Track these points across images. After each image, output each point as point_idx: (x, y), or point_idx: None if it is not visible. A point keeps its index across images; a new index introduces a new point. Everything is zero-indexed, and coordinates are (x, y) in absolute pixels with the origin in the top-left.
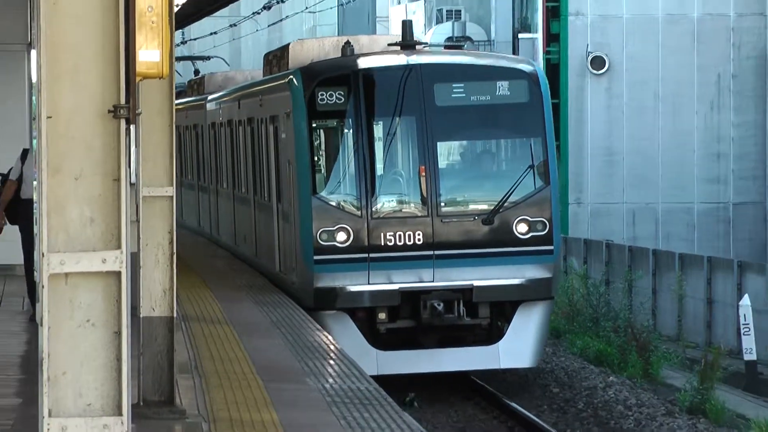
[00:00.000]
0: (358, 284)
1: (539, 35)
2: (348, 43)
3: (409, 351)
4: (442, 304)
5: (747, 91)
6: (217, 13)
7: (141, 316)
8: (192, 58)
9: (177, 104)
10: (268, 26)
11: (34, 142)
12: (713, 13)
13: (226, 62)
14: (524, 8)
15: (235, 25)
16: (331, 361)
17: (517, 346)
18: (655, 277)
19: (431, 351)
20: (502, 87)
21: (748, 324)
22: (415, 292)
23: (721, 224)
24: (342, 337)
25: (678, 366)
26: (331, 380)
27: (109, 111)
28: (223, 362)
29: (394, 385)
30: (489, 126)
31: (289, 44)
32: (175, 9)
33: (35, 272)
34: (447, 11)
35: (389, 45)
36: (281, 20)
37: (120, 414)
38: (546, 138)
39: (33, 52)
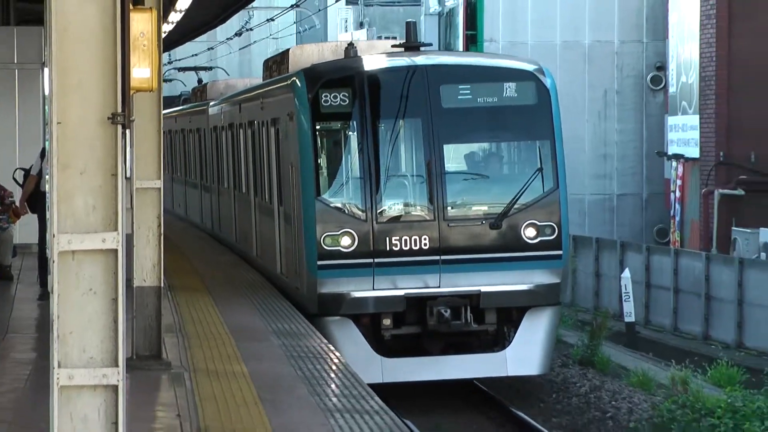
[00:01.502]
0: (362, 290)
1: None
2: (351, 44)
3: (415, 358)
4: (449, 311)
5: (627, 105)
6: (197, 39)
7: (134, 286)
8: (195, 69)
9: (181, 109)
10: (239, 49)
11: (47, 143)
12: (601, 40)
13: (226, 72)
14: (449, 35)
15: (212, 48)
16: (292, 324)
17: (525, 353)
18: None
19: (437, 358)
20: (510, 88)
21: (628, 293)
22: (421, 298)
23: (606, 212)
24: (346, 344)
25: (571, 327)
26: (290, 339)
27: (108, 118)
28: (202, 324)
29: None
30: (496, 128)
31: (288, 49)
32: (163, 35)
33: (47, 251)
34: (384, 37)
35: (393, 46)
36: (249, 45)
37: (116, 365)
38: (555, 140)
39: (46, 70)
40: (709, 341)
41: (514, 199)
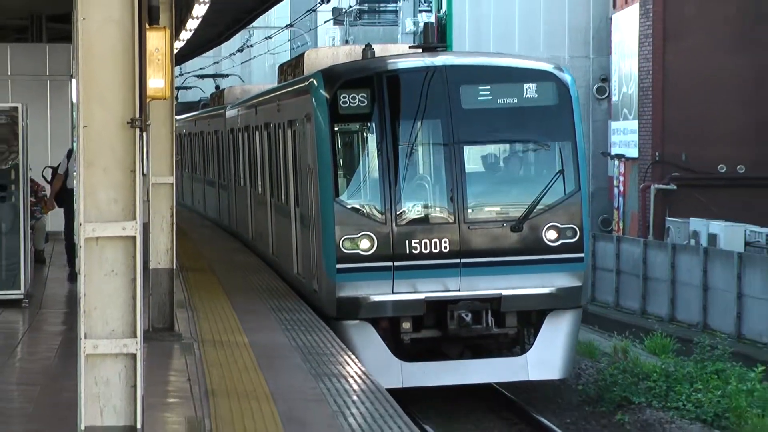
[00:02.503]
0: (382, 294)
1: None
2: (369, 45)
3: (435, 362)
4: (470, 315)
5: None
6: (205, 54)
7: (150, 267)
8: (213, 76)
9: (200, 113)
10: (241, 63)
11: (74, 145)
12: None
13: (241, 79)
14: None
15: (218, 62)
16: (287, 302)
17: (547, 357)
18: None
19: (457, 362)
20: (530, 89)
21: None
22: (441, 301)
23: None
24: (365, 348)
25: None
26: (286, 314)
27: (127, 122)
28: (209, 301)
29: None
30: (517, 129)
31: (304, 53)
32: (175, 50)
33: (75, 237)
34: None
35: (410, 47)
36: (250, 59)
37: (135, 337)
38: (576, 142)
39: (73, 81)
40: (646, 316)
41: (535, 201)
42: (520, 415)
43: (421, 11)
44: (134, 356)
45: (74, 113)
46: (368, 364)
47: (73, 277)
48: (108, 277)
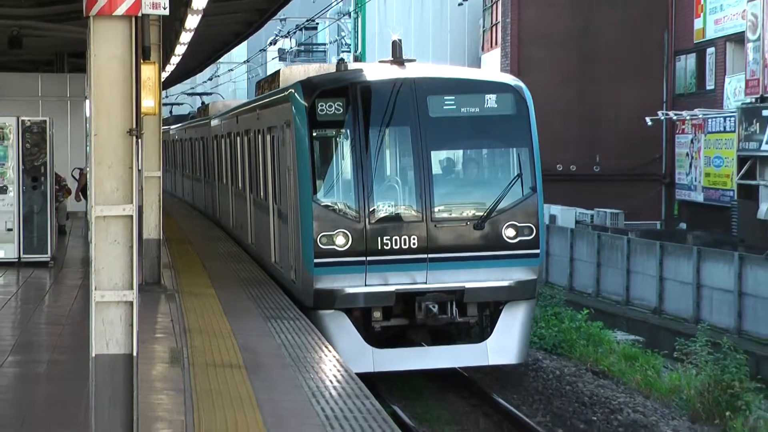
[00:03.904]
0: (355, 286)
1: None
2: (342, 60)
3: (403, 349)
4: (437, 306)
5: None
6: (184, 81)
7: (144, 238)
8: (200, 94)
9: (189, 122)
10: (210, 89)
11: (87, 148)
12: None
13: (222, 96)
14: None
15: (193, 88)
16: (246, 264)
17: (504, 344)
18: None
19: (424, 349)
20: (491, 100)
21: None
22: (410, 293)
23: None
24: (339, 336)
25: None
26: (246, 273)
27: (127, 132)
28: (187, 263)
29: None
30: (479, 136)
31: (279, 70)
32: (162, 79)
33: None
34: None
35: (380, 62)
36: (217, 86)
37: (132, 289)
38: (532, 148)
39: (87, 101)
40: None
41: (495, 201)
42: (476, 392)
43: (343, 51)
44: (131, 303)
45: (87, 125)
46: (342, 350)
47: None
48: (112, 245)
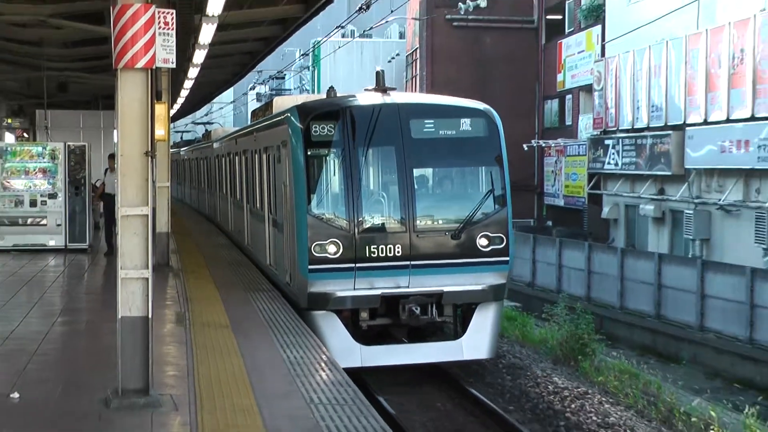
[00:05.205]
0: (345, 289)
1: None
2: (332, 87)
3: (388, 345)
4: (418, 308)
5: None
6: (188, 116)
7: (156, 232)
8: (204, 123)
9: (196, 146)
10: (205, 123)
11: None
12: None
13: (221, 124)
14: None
15: (194, 122)
16: (238, 256)
17: (477, 341)
18: None
19: (406, 346)
20: (466, 123)
21: None
22: (394, 296)
23: None
24: (330, 333)
25: None
26: (238, 263)
27: (144, 153)
28: (188, 249)
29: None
30: (455, 155)
31: (272, 99)
32: (171, 114)
33: (113, 228)
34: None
35: (365, 90)
36: (210, 121)
37: (147, 268)
38: (503, 167)
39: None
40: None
41: (470, 214)
42: (452, 384)
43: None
44: (147, 279)
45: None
46: (332, 347)
47: (108, 253)
48: (133, 236)
